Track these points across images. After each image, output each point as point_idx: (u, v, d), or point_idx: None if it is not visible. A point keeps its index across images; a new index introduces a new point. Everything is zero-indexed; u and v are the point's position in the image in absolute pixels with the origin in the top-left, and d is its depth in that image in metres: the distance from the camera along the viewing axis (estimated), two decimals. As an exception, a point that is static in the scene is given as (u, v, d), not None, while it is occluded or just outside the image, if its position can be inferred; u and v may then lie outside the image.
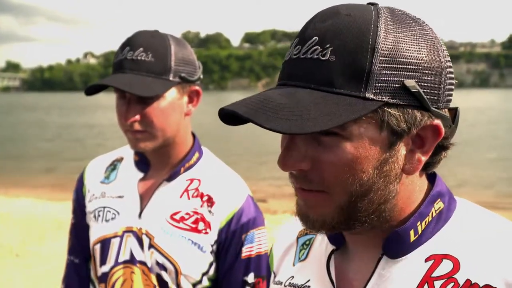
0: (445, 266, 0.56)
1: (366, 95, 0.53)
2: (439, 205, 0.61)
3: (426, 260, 0.58)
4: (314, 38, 0.55)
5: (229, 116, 0.57)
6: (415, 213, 0.59)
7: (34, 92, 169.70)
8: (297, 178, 0.58)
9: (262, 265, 1.17)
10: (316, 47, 0.54)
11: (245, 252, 1.15)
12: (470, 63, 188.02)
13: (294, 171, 0.58)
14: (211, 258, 1.14)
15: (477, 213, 0.61)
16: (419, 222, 0.59)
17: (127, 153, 1.26)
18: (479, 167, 11.40)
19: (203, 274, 1.14)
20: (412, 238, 0.59)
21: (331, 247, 0.68)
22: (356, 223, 0.58)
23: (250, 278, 1.15)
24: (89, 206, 1.24)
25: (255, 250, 1.16)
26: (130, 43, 1.12)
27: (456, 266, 0.56)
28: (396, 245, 0.59)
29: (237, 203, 1.16)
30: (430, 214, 0.60)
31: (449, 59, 0.57)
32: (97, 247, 1.18)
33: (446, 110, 0.58)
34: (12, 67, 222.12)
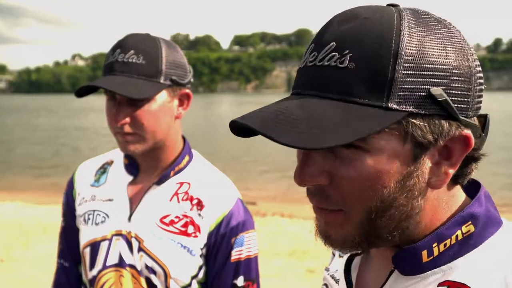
0: None
1: (389, 105, 0.49)
2: (468, 228, 0.54)
3: (439, 285, 0.54)
4: (331, 44, 0.51)
5: (241, 128, 0.54)
6: (433, 233, 0.54)
7: (21, 94, 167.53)
8: (314, 195, 0.54)
9: (252, 268, 1.17)
10: (334, 53, 0.50)
11: (235, 255, 1.15)
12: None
13: (311, 186, 0.54)
14: (200, 261, 1.14)
15: None
16: (435, 244, 0.54)
17: (117, 156, 1.26)
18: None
19: (193, 278, 1.14)
20: (425, 258, 0.55)
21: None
22: (378, 240, 0.55)
23: (240, 281, 1.15)
24: (79, 210, 1.23)
25: (245, 253, 1.16)
26: (121, 45, 1.12)
27: None
28: (405, 261, 0.56)
29: (226, 207, 1.16)
30: (454, 237, 0.54)
31: (479, 63, 0.53)
32: (87, 251, 1.18)
33: (475, 118, 0.54)
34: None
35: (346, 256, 0.68)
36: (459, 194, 0.58)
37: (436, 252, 0.54)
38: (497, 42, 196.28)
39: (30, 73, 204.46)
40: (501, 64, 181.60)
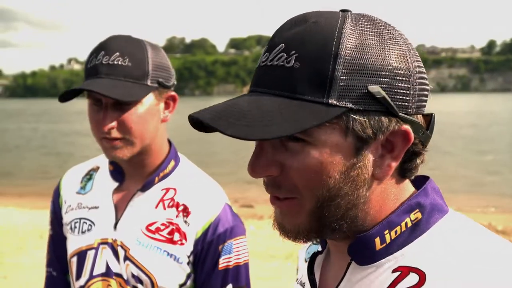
0: (411, 279, 0.55)
1: (329, 101, 0.53)
2: (416, 215, 0.58)
3: (393, 271, 0.57)
4: (280, 46, 0.55)
5: (199, 123, 0.58)
6: (383, 221, 0.58)
7: (17, 99, 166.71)
8: (268, 186, 0.58)
9: (241, 276, 1.14)
10: (282, 54, 0.54)
11: (222, 263, 1.11)
12: (451, 68, 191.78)
13: (265, 178, 0.58)
14: (188, 269, 1.12)
15: (461, 230, 0.58)
16: (387, 231, 0.58)
17: (103, 162, 1.23)
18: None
19: (181, 286, 1.11)
20: (378, 246, 0.58)
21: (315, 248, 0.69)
22: (326, 229, 0.58)
23: None
24: (66, 218, 1.21)
25: (233, 261, 1.13)
26: (105, 48, 1.08)
27: (422, 280, 0.54)
28: (360, 251, 0.59)
29: (213, 213, 1.13)
30: (404, 224, 0.58)
31: (420, 65, 0.57)
32: (74, 260, 1.16)
33: (420, 116, 0.58)
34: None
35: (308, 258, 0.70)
36: (407, 188, 0.61)
37: (388, 239, 0.58)
38: (491, 44, 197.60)
39: (25, 78, 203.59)
40: (496, 66, 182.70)
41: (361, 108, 0.53)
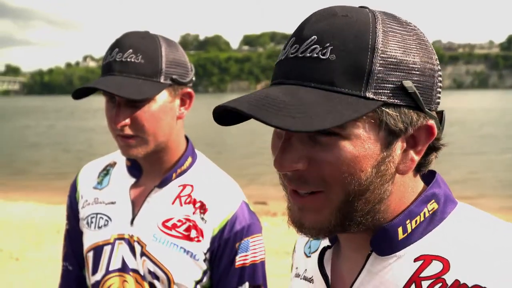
0: (435, 267, 0.56)
1: (367, 94, 0.53)
2: (432, 206, 0.60)
3: (415, 260, 0.58)
4: (313, 37, 0.54)
5: (224, 116, 0.57)
6: (405, 211, 0.59)
7: (34, 96, 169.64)
8: (292, 180, 0.57)
9: (257, 274, 1.13)
10: (316, 46, 0.54)
11: (239, 261, 1.11)
12: (469, 64, 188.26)
13: (289, 172, 0.57)
14: (204, 266, 1.11)
15: (474, 217, 0.60)
16: (408, 220, 0.59)
17: (120, 157, 1.23)
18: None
19: (197, 283, 1.11)
20: (401, 235, 0.59)
21: (324, 243, 0.69)
22: (352, 224, 0.58)
23: (245, 287, 1.11)
24: (82, 212, 1.21)
25: (250, 259, 1.12)
26: (119, 44, 1.08)
27: (446, 267, 0.55)
28: (383, 241, 0.59)
29: (230, 210, 1.12)
30: (422, 214, 0.59)
31: (438, 62, 0.59)
32: (90, 255, 1.16)
33: (435, 112, 0.60)
34: (12, 70, 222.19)
35: (317, 253, 0.71)
36: (420, 182, 0.63)
37: (409, 229, 0.59)
38: (511, 39, 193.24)
39: (42, 75, 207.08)
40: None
41: (395, 103, 0.54)
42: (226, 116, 0.58)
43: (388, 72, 0.54)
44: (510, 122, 24.53)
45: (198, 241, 1.10)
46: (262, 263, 1.15)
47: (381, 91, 0.54)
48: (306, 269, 0.73)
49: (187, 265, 1.10)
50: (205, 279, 1.12)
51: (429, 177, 0.64)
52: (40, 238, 5.62)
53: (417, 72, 0.55)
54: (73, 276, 1.25)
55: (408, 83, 0.54)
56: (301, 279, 0.73)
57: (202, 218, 1.12)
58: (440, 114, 0.61)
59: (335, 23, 0.55)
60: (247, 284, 1.12)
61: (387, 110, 0.54)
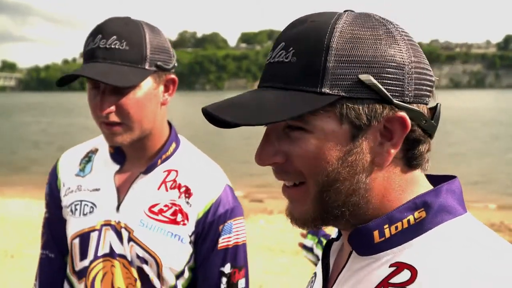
0: (404, 276, 0.56)
1: (322, 90, 0.56)
2: (420, 214, 0.58)
3: (390, 265, 0.58)
4: (281, 44, 0.60)
5: (214, 118, 0.61)
6: (384, 215, 0.59)
7: (30, 92, 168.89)
8: (277, 173, 0.62)
9: (239, 256, 1.16)
10: (282, 51, 0.59)
11: (222, 242, 1.14)
12: (466, 63, 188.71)
13: (274, 166, 0.62)
14: (191, 249, 1.14)
15: (466, 234, 0.57)
16: (386, 225, 0.59)
17: (102, 144, 1.22)
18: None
19: (185, 265, 1.14)
20: (377, 239, 0.59)
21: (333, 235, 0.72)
22: (329, 216, 0.60)
23: (227, 268, 1.14)
24: (65, 200, 1.21)
25: (233, 240, 1.15)
26: (102, 31, 1.07)
27: (413, 277, 0.55)
28: (357, 241, 0.61)
29: (214, 194, 1.15)
30: (406, 221, 0.58)
31: (418, 55, 0.59)
32: (76, 242, 1.16)
33: (424, 106, 0.59)
34: (8, 67, 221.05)
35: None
36: (418, 182, 0.62)
37: (387, 234, 0.59)
38: (508, 39, 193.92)
39: (39, 71, 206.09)
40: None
41: (354, 96, 0.56)
42: (215, 118, 0.61)
43: (343, 68, 0.56)
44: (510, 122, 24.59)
45: (184, 224, 1.13)
46: (244, 245, 1.18)
47: (337, 86, 0.56)
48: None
49: (175, 249, 1.12)
50: (191, 261, 1.15)
51: (445, 181, 0.62)
52: (35, 235, 5.60)
53: (379, 66, 0.56)
54: (53, 263, 1.24)
55: (365, 77, 0.56)
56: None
57: (187, 202, 1.14)
58: (434, 108, 0.61)
59: (301, 29, 0.59)
60: (228, 265, 1.14)
61: (347, 103, 0.57)
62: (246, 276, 1.18)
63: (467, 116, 27.06)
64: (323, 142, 0.58)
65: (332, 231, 0.85)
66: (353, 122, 0.57)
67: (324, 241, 1.30)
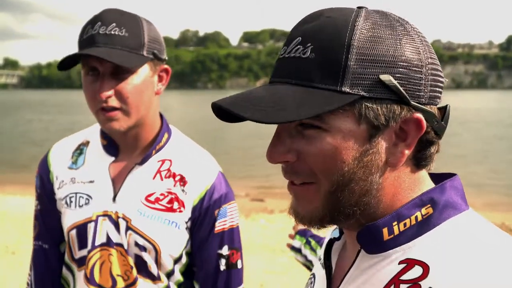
0: (415, 272, 0.56)
1: (343, 89, 0.55)
2: (427, 210, 0.59)
3: (400, 263, 0.58)
4: (297, 39, 0.58)
5: (222, 113, 0.61)
6: (392, 213, 0.59)
7: (32, 89, 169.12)
8: (286, 171, 0.61)
9: (235, 238, 1.21)
10: (299, 46, 0.58)
11: (219, 226, 1.18)
12: (468, 64, 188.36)
13: (283, 164, 0.61)
14: (187, 234, 1.17)
15: (473, 228, 0.58)
16: (395, 222, 0.59)
17: (93, 136, 1.24)
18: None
19: (183, 250, 1.17)
20: (386, 236, 0.59)
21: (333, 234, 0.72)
22: (340, 215, 0.59)
23: (225, 250, 1.19)
24: (59, 193, 1.22)
25: (228, 223, 1.19)
26: (101, 19, 1.10)
27: (425, 273, 0.55)
28: (367, 239, 0.60)
29: (208, 181, 1.18)
30: (414, 218, 0.59)
31: (433, 57, 0.59)
32: (73, 233, 1.18)
33: (434, 107, 0.59)
34: (10, 64, 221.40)
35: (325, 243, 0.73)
36: (424, 181, 0.62)
37: (396, 231, 0.59)
38: (510, 39, 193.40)
39: (41, 69, 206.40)
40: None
41: (373, 96, 0.55)
42: (224, 113, 0.60)
43: (365, 67, 0.55)
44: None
45: (180, 211, 1.16)
46: (238, 228, 1.22)
47: (358, 85, 0.55)
48: (321, 257, 0.76)
49: (173, 235, 1.15)
50: (188, 246, 1.18)
51: (446, 179, 0.63)
52: (36, 232, 5.61)
53: (400, 66, 0.56)
54: (48, 253, 1.25)
55: (385, 77, 0.55)
56: (320, 263, 0.75)
57: (183, 190, 1.17)
58: (444, 109, 0.61)
59: (318, 24, 0.58)
60: (226, 247, 1.19)
61: (366, 103, 0.56)
62: (241, 258, 1.23)
63: (470, 117, 27.02)
64: (340, 142, 0.57)
65: (322, 232, 0.85)
66: (371, 122, 0.56)
67: (312, 242, 1.33)
